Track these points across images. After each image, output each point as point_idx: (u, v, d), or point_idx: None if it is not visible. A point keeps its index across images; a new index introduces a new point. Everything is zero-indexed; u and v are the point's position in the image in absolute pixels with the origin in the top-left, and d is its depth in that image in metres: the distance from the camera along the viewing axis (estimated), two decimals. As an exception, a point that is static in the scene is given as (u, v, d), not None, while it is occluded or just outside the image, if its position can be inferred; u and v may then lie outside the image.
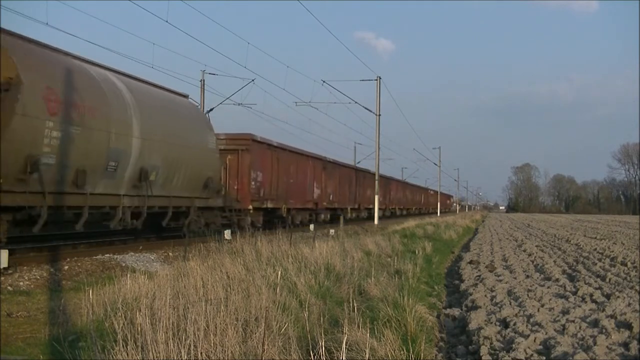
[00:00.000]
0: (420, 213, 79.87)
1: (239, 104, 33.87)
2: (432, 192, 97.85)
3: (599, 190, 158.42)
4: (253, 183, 24.24)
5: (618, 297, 10.32)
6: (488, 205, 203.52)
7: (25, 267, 11.80)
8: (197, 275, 7.75)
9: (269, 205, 26.03)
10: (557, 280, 12.60)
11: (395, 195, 60.61)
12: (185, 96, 20.59)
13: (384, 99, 62.41)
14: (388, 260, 13.39)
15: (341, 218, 30.37)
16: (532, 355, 6.44)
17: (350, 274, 10.41)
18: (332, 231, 22.86)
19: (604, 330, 7.62)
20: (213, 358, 4.77)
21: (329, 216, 36.88)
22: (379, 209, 42.82)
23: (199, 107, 29.40)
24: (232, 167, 23.34)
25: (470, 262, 16.31)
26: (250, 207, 23.89)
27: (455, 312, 9.36)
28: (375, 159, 36.85)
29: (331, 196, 37.31)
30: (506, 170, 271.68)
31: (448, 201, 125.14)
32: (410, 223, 34.71)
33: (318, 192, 34.16)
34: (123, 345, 4.74)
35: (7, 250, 11.07)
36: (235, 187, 23.33)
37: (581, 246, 23.35)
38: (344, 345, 4.86)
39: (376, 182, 36.82)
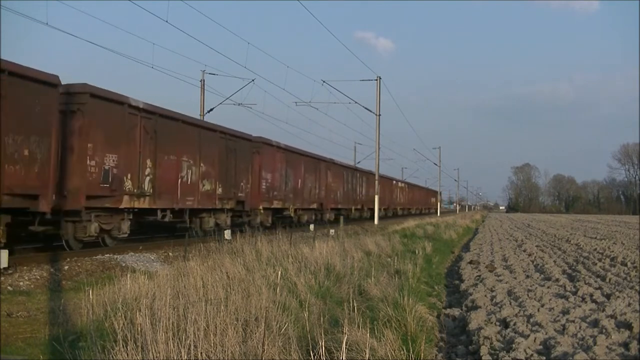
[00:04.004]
0: (360, 217, 44.75)
1: (239, 104, 33.77)
2: (401, 184, 67.10)
3: (599, 190, 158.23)
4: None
5: (618, 297, 10.32)
6: (488, 205, 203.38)
7: (25, 267, 11.80)
8: (197, 275, 7.75)
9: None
10: (557, 280, 12.60)
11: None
12: None
13: (384, 98, 60.86)
14: (388, 260, 13.39)
15: (341, 218, 30.33)
16: (532, 355, 6.44)
17: (350, 274, 10.41)
18: (332, 231, 22.85)
19: (604, 330, 7.62)
20: (213, 358, 4.77)
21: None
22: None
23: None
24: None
25: (470, 262, 16.32)
26: None
27: (455, 312, 9.35)
28: (375, 159, 36.84)
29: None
30: (506, 170, 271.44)
31: (433, 199, 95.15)
32: (410, 223, 34.72)
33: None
34: (123, 345, 4.74)
35: (7, 250, 11.07)
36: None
37: (581, 246, 23.34)
38: (344, 345, 4.86)
39: (376, 182, 36.81)
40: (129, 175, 15.86)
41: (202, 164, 19.79)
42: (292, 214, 29.01)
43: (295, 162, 29.64)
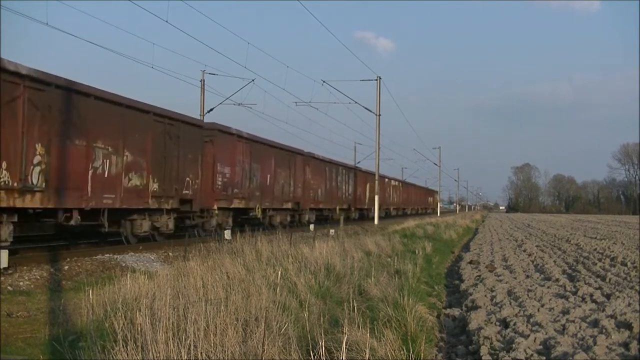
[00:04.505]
0: (347, 219, 38.94)
1: (239, 104, 33.77)
2: (394, 182, 60.71)
3: (599, 190, 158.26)
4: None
5: (618, 297, 10.32)
6: (488, 205, 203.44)
7: (25, 267, 11.79)
8: (197, 275, 7.75)
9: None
10: (557, 280, 12.60)
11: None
12: None
13: (384, 98, 59.57)
14: (388, 260, 13.40)
15: (341, 218, 30.17)
16: (532, 355, 6.44)
17: (350, 274, 10.41)
18: (332, 231, 22.87)
19: (604, 330, 7.62)
20: (213, 358, 4.77)
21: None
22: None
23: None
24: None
25: (470, 262, 16.32)
26: None
27: (456, 312, 9.35)
28: (375, 159, 36.85)
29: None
30: (506, 170, 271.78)
31: (431, 199, 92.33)
32: (410, 223, 34.71)
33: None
34: (123, 345, 4.74)
35: (7, 250, 11.07)
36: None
37: (581, 246, 23.34)
38: (344, 345, 4.86)
39: (376, 182, 36.80)
40: (3, 165, 11.73)
41: (127, 153, 15.55)
42: (259, 215, 25.06)
43: (264, 154, 25.53)
